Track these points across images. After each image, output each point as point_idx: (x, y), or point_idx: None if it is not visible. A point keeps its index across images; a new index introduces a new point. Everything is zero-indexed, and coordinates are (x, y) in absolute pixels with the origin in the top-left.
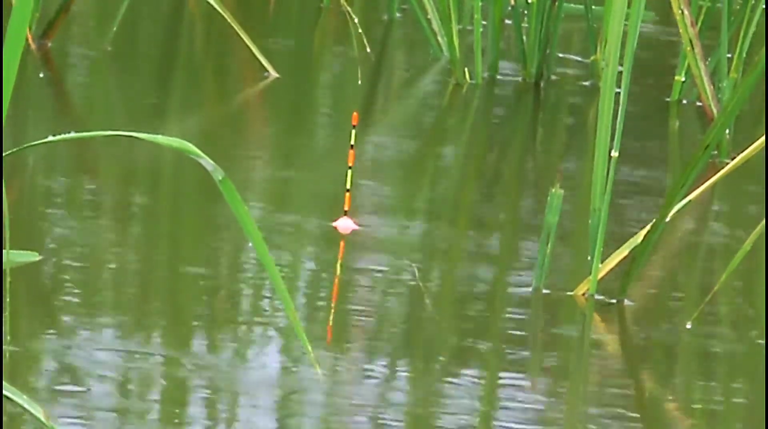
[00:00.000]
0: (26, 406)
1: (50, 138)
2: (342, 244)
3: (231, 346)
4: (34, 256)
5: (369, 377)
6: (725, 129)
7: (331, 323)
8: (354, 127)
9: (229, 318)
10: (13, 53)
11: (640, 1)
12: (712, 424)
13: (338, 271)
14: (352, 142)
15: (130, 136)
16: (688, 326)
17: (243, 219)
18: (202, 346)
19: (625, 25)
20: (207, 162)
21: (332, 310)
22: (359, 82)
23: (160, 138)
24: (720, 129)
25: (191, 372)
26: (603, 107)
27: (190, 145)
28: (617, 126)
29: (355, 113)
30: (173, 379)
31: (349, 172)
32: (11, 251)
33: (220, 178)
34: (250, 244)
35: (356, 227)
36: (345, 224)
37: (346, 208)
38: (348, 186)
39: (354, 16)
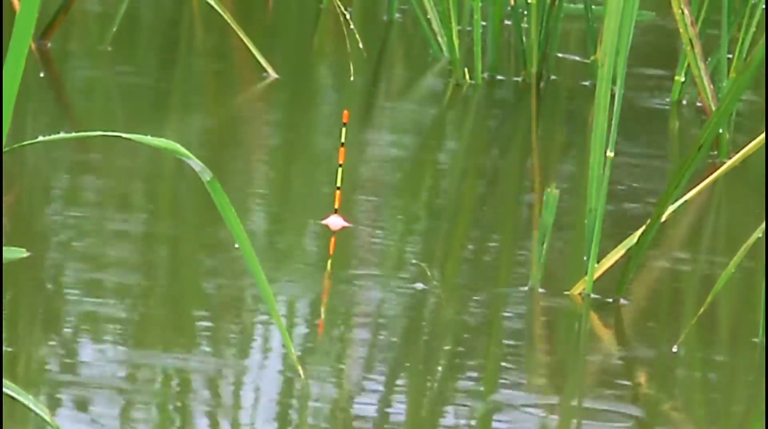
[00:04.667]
0: (31, 405)
1: (40, 138)
2: (332, 241)
3: (231, 347)
4: (22, 253)
5: (367, 378)
6: (719, 128)
7: (321, 322)
8: (345, 124)
9: (229, 317)
10: (17, 59)
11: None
12: (709, 424)
13: (328, 269)
14: (343, 140)
15: (118, 137)
16: (675, 350)
17: (230, 220)
18: (204, 347)
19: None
20: (195, 163)
21: (322, 309)
22: (351, 78)
23: (148, 139)
24: (714, 128)
25: (192, 372)
26: (599, 107)
27: (179, 146)
28: (613, 125)
29: (346, 111)
30: (174, 379)
31: (340, 169)
32: None
33: (208, 179)
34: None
35: (346, 224)
36: (335, 222)
37: (336, 206)
38: (338, 184)
39: (346, 13)
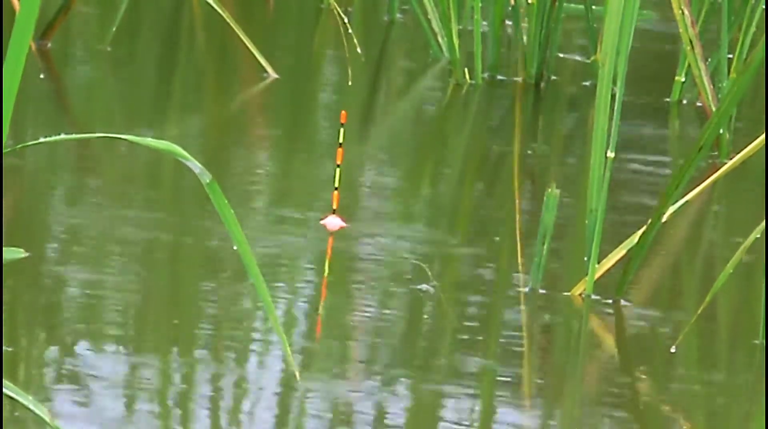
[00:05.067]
0: (31, 406)
1: (41, 140)
2: (330, 241)
3: (230, 348)
4: (20, 253)
5: (367, 378)
6: (719, 129)
7: (320, 323)
8: (342, 125)
9: (228, 319)
10: (17, 58)
11: (635, 0)
12: (708, 424)
13: (326, 269)
14: (341, 141)
15: (118, 138)
16: (673, 350)
17: (229, 223)
18: (203, 348)
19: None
20: (194, 165)
21: (321, 310)
22: (350, 83)
23: (148, 140)
24: (714, 128)
25: (191, 372)
26: (599, 107)
27: (178, 148)
28: (613, 126)
29: (343, 112)
30: (173, 380)
31: (338, 170)
32: None
33: (207, 181)
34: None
35: (344, 225)
36: (333, 222)
37: (334, 207)
38: (336, 184)
39: (344, 17)
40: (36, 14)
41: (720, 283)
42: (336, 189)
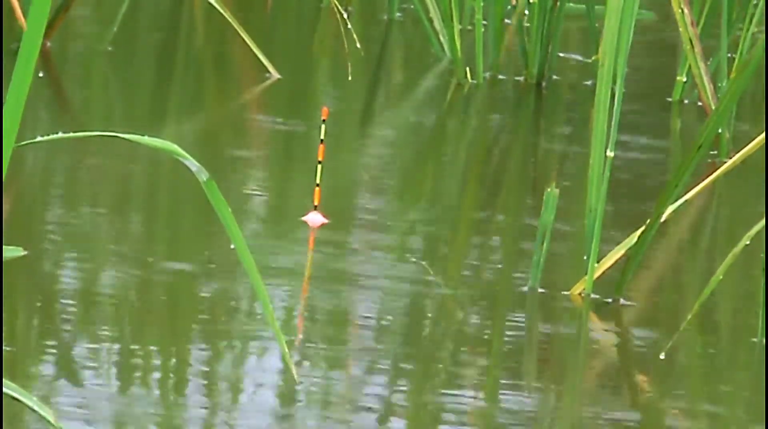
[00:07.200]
0: (35, 408)
1: (38, 138)
2: (311, 237)
3: (228, 347)
4: (20, 252)
5: (367, 375)
6: (718, 127)
7: (302, 318)
8: (324, 121)
9: (223, 314)
10: (27, 63)
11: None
12: (708, 424)
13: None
14: (323, 137)
15: (116, 137)
16: (662, 357)
17: (226, 220)
18: (201, 344)
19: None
20: (192, 163)
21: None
22: (349, 78)
23: (145, 139)
24: (713, 127)
25: (189, 370)
26: (599, 106)
27: (176, 146)
28: (613, 125)
29: (325, 108)
30: (171, 378)
31: (319, 166)
32: None
33: (205, 179)
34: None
35: (326, 221)
36: (314, 218)
37: (315, 203)
38: (318, 181)
39: (343, 12)
40: (46, 17)
41: (708, 291)
42: (317, 185)
